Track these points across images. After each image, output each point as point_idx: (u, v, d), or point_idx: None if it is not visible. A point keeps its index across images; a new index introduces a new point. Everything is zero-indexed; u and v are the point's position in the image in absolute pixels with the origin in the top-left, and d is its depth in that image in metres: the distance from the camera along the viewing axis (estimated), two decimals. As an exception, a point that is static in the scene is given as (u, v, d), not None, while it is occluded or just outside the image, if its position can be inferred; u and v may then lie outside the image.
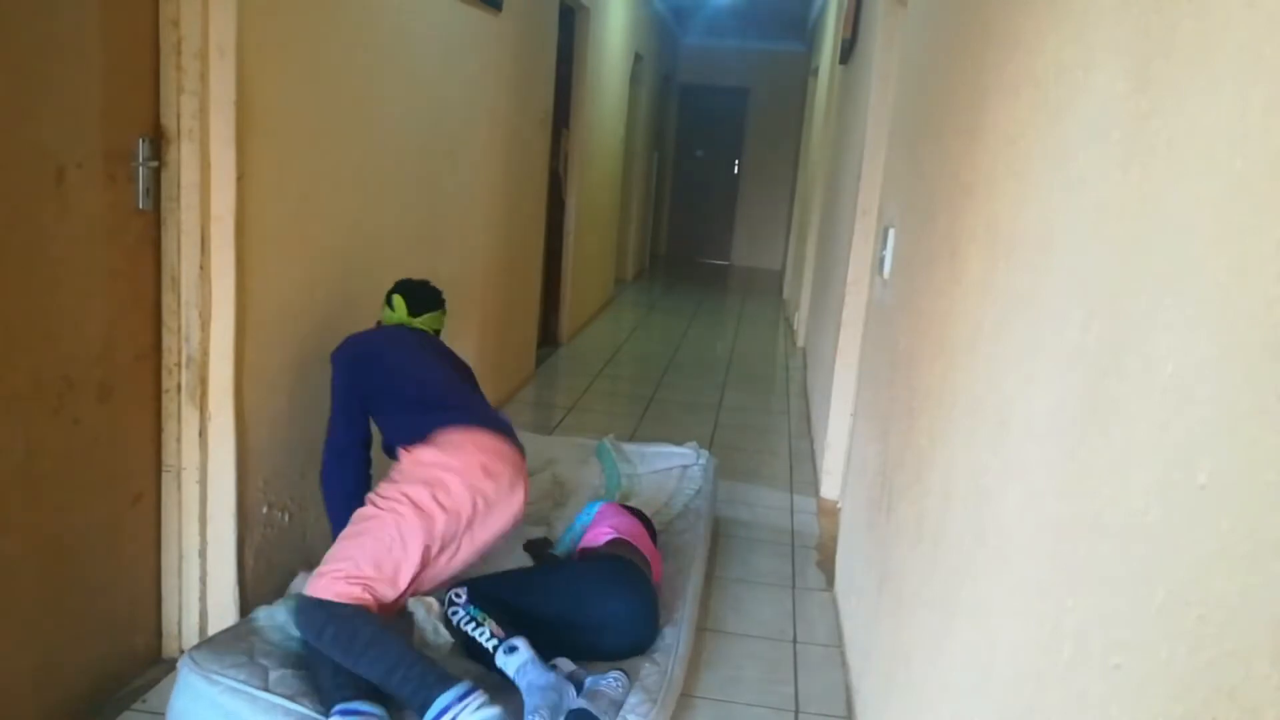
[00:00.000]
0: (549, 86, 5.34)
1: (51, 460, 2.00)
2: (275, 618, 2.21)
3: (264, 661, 2.06)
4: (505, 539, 2.42)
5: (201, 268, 2.26)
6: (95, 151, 2.03)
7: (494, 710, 1.93)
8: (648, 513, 3.02)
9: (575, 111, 6.27)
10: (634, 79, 8.41)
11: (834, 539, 3.37)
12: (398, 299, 2.72)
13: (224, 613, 2.41)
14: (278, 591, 2.54)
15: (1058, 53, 1.25)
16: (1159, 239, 0.87)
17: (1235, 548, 0.68)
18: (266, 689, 1.98)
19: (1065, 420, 1.06)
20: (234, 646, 2.08)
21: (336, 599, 2.06)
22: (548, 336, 6.17)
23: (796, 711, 2.45)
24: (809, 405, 5.30)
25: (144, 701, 2.24)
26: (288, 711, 1.94)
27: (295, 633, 2.15)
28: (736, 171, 11.69)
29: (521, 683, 2.04)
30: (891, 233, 2.61)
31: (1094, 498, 0.95)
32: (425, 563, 2.20)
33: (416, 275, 2.87)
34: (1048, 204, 1.22)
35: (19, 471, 1.91)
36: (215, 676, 1.98)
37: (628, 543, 2.55)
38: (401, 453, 2.31)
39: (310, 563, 2.40)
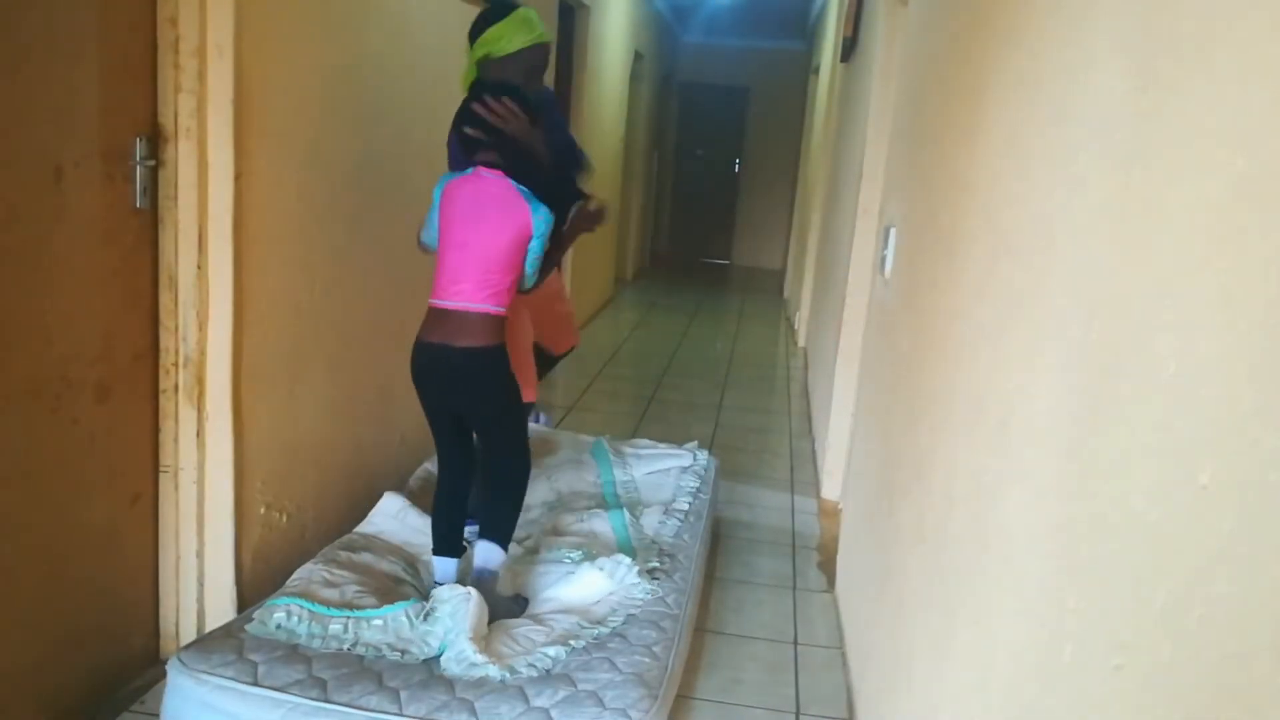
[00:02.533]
0: (549, 85, 5.32)
1: (49, 460, 1.99)
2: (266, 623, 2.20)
3: (253, 657, 2.06)
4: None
5: (199, 267, 2.26)
6: (93, 150, 2.03)
7: None
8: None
9: (575, 110, 6.26)
10: (634, 77, 8.41)
11: (835, 540, 3.36)
12: None
13: (221, 614, 2.40)
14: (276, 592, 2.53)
15: (1059, 52, 1.24)
16: (1161, 238, 0.87)
17: (1237, 549, 0.68)
18: (256, 683, 1.98)
19: (1066, 420, 1.05)
20: (222, 645, 2.09)
21: None
22: (547, 336, 6.15)
23: (797, 713, 2.44)
24: (810, 405, 5.29)
25: (142, 703, 2.24)
26: (277, 702, 1.95)
27: (291, 630, 2.16)
28: (737, 170, 11.68)
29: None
30: (893, 232, 2.60)
31: (1095, 498, 0.95)
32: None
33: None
34: (1049, 203, 1.21)
35: (17, 471, 1.91)
36: (203, 675, 1.99)
37: None
38: None
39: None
